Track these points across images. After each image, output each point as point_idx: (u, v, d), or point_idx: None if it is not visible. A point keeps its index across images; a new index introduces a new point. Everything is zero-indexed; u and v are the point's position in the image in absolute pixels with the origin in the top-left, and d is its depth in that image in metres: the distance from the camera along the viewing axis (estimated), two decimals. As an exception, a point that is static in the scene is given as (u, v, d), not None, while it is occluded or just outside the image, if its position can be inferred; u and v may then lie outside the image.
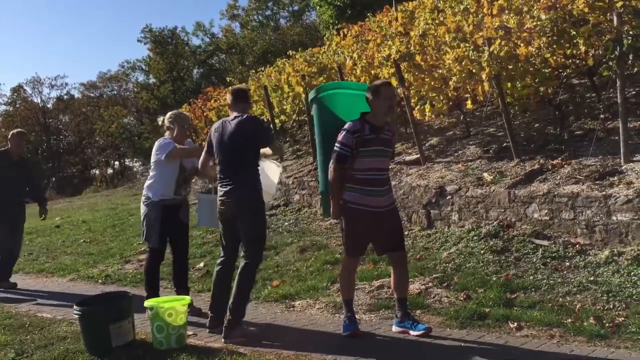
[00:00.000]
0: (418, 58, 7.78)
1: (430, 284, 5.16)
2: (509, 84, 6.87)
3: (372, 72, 8.86)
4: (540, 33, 6.35)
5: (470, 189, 6.46)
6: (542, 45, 6.43)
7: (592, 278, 4.71)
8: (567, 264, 5.05)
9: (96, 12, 68.48)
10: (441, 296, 4.91)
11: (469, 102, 7.79)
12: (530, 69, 6.70)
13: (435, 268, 5.52)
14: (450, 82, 7.39)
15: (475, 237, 5.97)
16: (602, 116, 6.75)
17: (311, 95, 4.66)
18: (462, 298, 4.75)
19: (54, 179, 38.33)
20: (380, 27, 10.27)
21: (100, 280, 7.12)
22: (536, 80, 6.76)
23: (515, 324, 4.14)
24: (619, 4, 5.65)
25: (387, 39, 8.67)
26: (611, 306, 4.22)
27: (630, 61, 5.92)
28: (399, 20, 9.55)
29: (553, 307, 4.34)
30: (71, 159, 39.61)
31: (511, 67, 6.72)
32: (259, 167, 4.48)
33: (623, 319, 3.99)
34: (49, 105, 42.05)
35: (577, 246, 5.26)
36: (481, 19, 6.93)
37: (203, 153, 4.67)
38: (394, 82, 8.01)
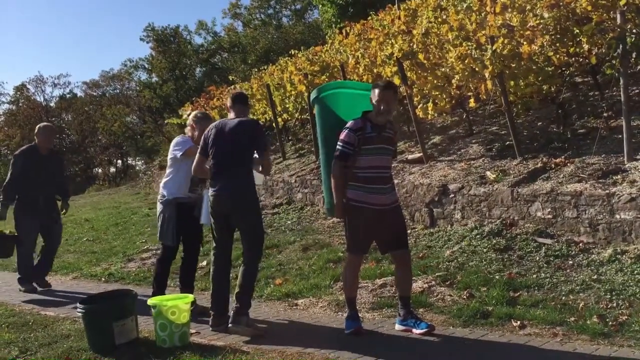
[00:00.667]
0: (421, 56, 7.77)
1: (433, 283, 5.16)
2: (512, 83, 6.86)
3: (375, 70, 8.86)
4: (543, 31, 6.33)
5: (473, 188, 6.45)
6: (545, 43, 6.41)
7: (595, 276, 4.71)
8: (570, 262, 5.05)
9: (99, 11, 68.62)
10: (444, 294, 4.91)
11: (471, 100, 7.78)
12: (533, 67, 6.69)
13: (438, 266, 5.52)
14: (453, 81, 7.38)
15: (478, 236, 5.97)
16: (605, 114, 6.74)
17: (313, 95, 4.67)
18: (465, 296, 4.75)
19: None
20: (382, 25, 10.24)
21: (103, 279, 7.14)
22: (539, 79, 6.75)
23: (518, 322, 4.13)
24: (623, 2, 5.63)
25: (389, 37, 8.65)
26: (614, 305, 4.22)
27: (633, 59, 5.91)
28: (402, 19, 9.52)
29: (556, 306, 4.33)
30: (74, 157, 39.67)
31: (514, 65, 6.70)
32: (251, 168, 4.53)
33: (626, 317, 3.99)
34: (52, 104, 42.21)
35: (581, 245, 5.25)
36: (484, 17, 6.91)
37: (197, 155, 4.60)
38: (397, 81, 8.01)
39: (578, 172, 5.80)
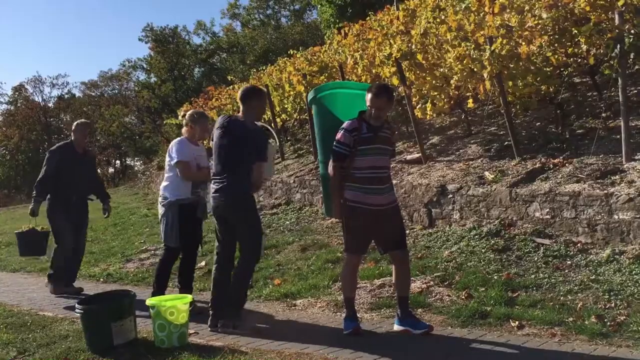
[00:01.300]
0: (419, 57, 7.78)
1: (432, 283, 5.16)
2: (511, 83, 6.87)
3: (374, 71, 8.86)
4: (541, 32, 6.34)
5: (471, 188, 6.46)
6: (543, 44, 6.42)
7: (593, 277, 4.71)
8: (569, 262, 5.05)
9: (97, 11, 68.59)
10: (442, 295, 4.91)
11: (470, 101, 7.79)
12: (532, 67, 6.69)
13: (437, 267, 5.52)
14: (452, 81, 7.39)
15: (476, 236, 5.97)
16: (603, 115, 6.74)
17: (310, 95, 4.68)
18: (463, 297, 4.75)
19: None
20: (381, 25, 10.24)
21: (101, 279, 7.14)
22: (537, 79, 6.75)
23: (517, 322, 4.14)
24: (621, 3, 5.64)
25: (388, 37, 8.65)
26: (612, 305, 4.22)
27: (631, 60, 5.92)
28: (400, 19, 9.52)
29: (554, 306, 4.34)
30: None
31: (512, 65, 6.71)
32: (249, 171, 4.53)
33: (624, 317, 3.99)
34: (50, 104, 42.22)
35: (579, 245, 5.25)
36: (483, 17, 6.91)
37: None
38: (396, 81, 8.01)
39: (576, 173, 5.81)
